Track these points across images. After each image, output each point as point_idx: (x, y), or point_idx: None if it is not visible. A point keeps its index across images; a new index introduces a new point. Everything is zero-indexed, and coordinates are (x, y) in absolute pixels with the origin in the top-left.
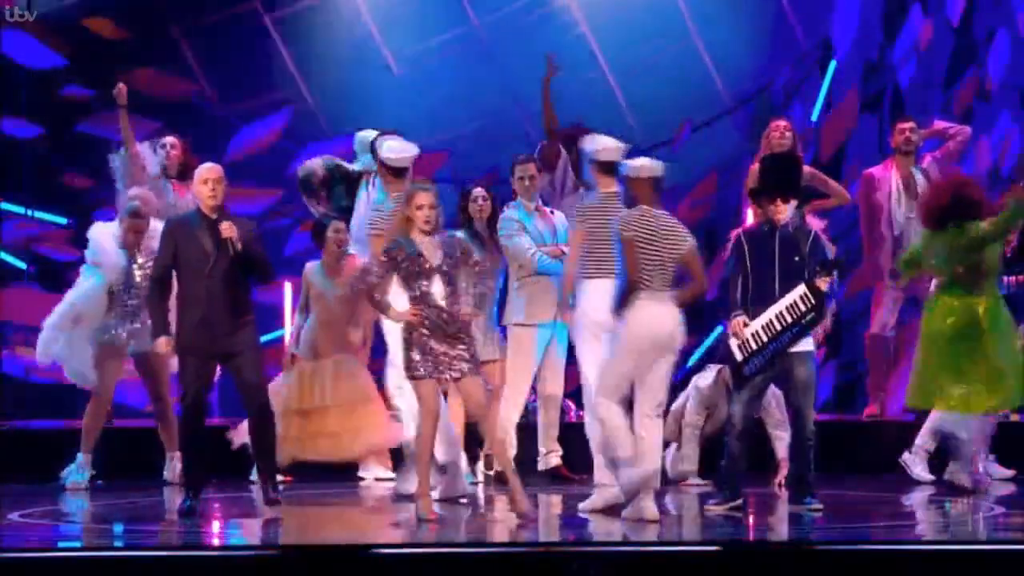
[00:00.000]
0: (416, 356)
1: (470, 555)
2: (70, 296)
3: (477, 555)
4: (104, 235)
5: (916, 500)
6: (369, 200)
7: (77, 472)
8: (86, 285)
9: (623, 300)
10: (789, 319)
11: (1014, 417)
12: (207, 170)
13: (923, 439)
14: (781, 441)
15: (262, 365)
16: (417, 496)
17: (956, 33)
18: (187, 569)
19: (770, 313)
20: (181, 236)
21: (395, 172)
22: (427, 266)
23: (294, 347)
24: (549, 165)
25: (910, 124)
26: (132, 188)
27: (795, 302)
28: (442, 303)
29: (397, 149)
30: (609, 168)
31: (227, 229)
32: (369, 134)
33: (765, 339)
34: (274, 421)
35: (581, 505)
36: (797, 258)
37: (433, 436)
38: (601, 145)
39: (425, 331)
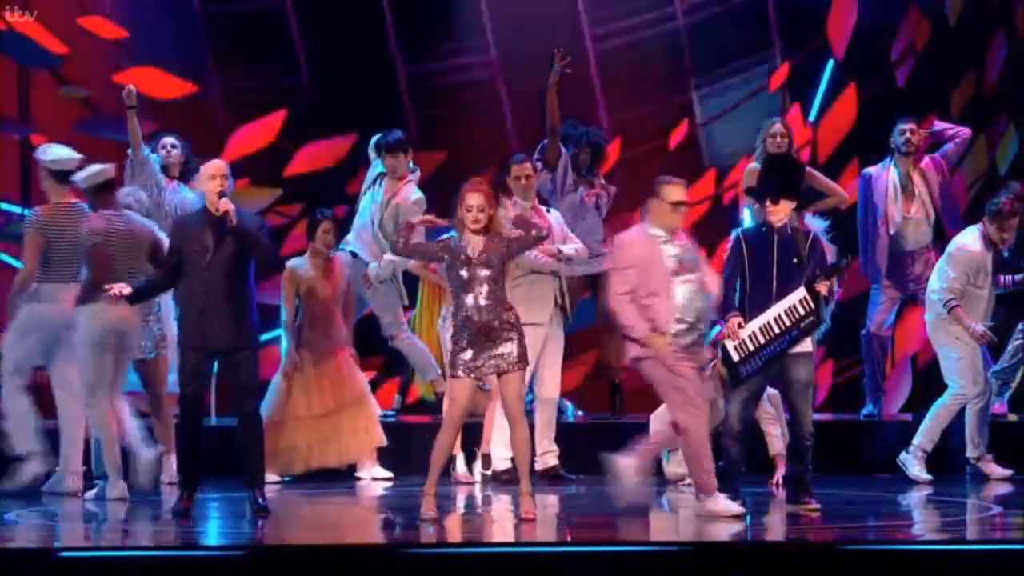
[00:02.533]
0: (463, 355)
1: (468, 556)
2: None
3: (476, 555)
4: None
5: (913, 500)
6: (374, 201)
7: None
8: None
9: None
10: (788, 322)
11: (1012, 417)
12: (213, 167)
13: (920, 439)
14: (774, 437)
15: (257, 368)
16: (422, 494)
17: (954, 32)
18: (181, 569)
19: (768, 315)
20: (183, 233)
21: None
22: (469, 259)
23: (294, 347)
24: (550, 164)
25: (911, 125)
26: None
27: (794, 305)
28: (484, 301)
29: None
30: (63, 177)
31: (224, 203)
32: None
33: (762, 341)
34: (262, 427)
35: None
36: (796, 260)
37: (453, 438)
38: (54, 155)
39: (470, 332)
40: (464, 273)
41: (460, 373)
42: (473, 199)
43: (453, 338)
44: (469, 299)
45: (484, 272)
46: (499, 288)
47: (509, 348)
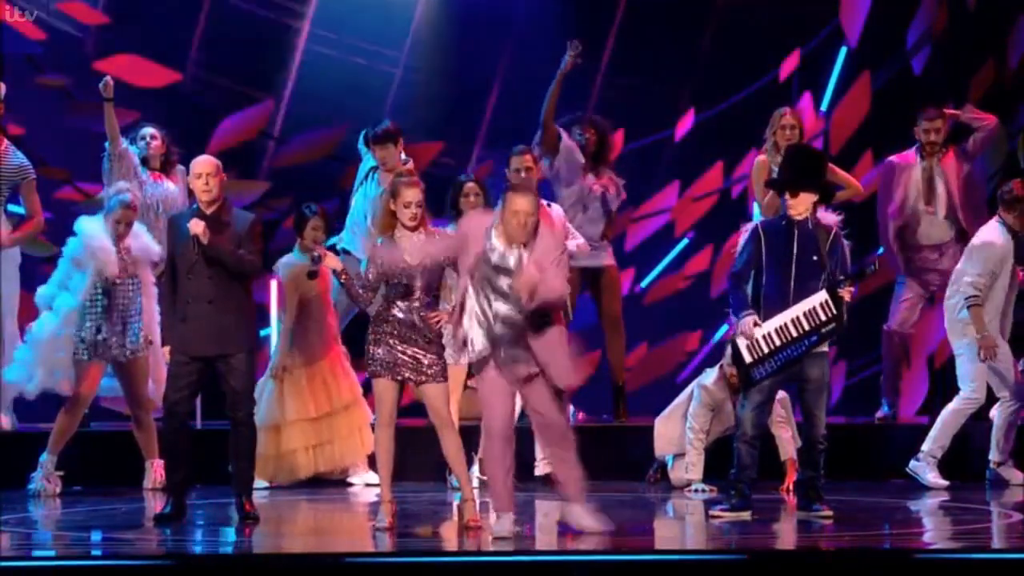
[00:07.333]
0: (378, 352)
1: (466, 564)
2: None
3: (473, 564)
4: (98, 229)
5: (930, 506)
6: (367, 195)
7: (43, 479)
8: (77, 291)
9: None
10: (807, 326)
11: None
12: (200, 163)
13: (930, 445)
14: (785, 441)
15: (252, 373)
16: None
17: (973, 18)
18: None
19: (786, 316)
20: (175, 233)
21: None
22: (404, 265)
23: (287, 349)
24: (548, 151)
25: (936, 124)
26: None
27: (815, 309)
28: (418, 304)
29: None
30: None
31: (194, 225)
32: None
33: (778, 343)
34: (255, 433)
35: None
36: (816, 257)
37: (385, 438)
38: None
39: (391, 328)
40: (401, 277)
41: (377, 370)
42: (411, 195)
43: (374, 335)
44: (403, 300)
45: (420, 276)
46: (432, 293)
47: (432, 358)
